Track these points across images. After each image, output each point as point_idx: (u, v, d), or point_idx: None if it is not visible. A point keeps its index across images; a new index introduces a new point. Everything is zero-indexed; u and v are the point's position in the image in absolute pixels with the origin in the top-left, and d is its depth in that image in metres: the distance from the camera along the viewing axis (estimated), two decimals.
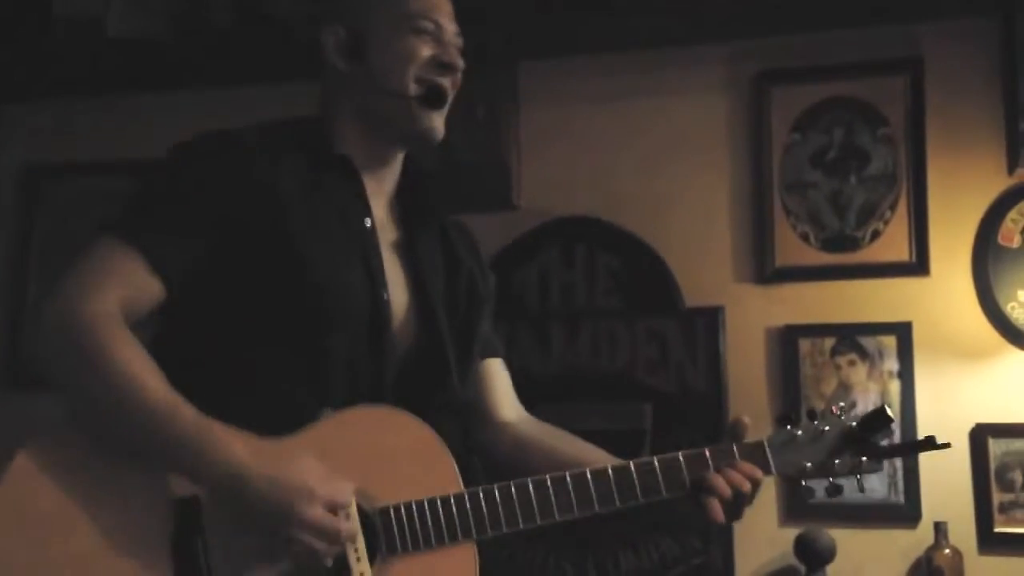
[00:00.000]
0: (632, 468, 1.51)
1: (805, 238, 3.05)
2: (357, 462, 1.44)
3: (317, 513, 1.35)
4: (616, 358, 3.11)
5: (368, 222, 1.58)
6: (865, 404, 2.92)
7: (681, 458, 1.53)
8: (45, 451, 1.39)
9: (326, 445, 1.43)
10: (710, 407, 3.02)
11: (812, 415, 1.58)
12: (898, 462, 2.88)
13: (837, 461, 1.56)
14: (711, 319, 3.06)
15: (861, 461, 1.57)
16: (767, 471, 1.54)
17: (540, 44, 3.19)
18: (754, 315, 3.06)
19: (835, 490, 1.57)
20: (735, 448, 1.54)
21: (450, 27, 1.62)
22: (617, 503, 1.51)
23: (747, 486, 1.51)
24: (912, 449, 1.78)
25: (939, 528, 2.74)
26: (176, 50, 3.31)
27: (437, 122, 1.60)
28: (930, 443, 1.62)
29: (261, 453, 1.37)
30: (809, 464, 1.55)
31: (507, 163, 3.22)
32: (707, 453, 1.53)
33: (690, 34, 3.12)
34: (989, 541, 2.80)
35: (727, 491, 1.50)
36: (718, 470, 1.52)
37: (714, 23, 3.07)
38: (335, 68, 1.61)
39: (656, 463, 1.52)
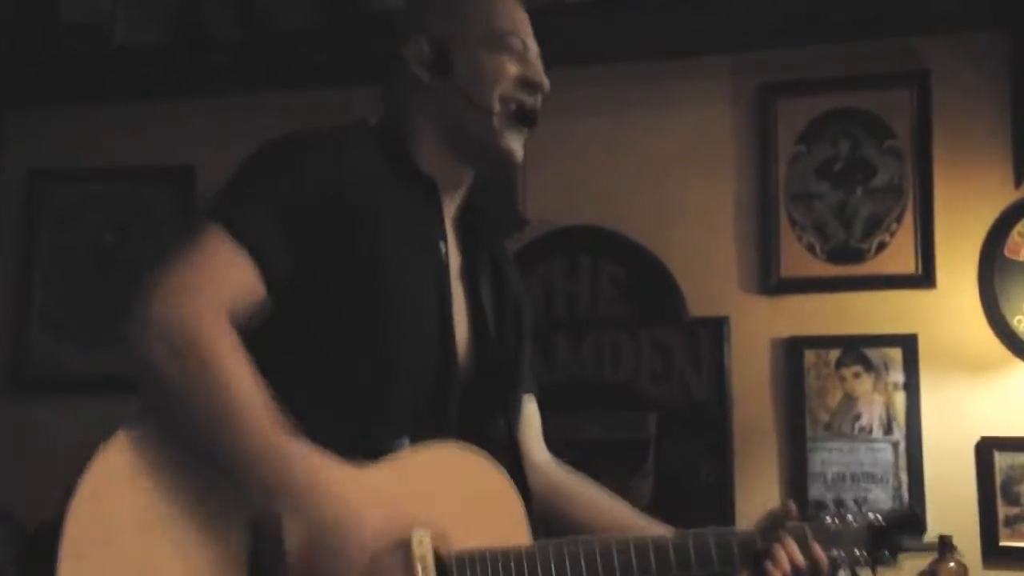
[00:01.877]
0: (690, 539, 1.51)
1: (811, 249, 3.04)
2: (435, 502, 1.42)
3: None
4: (620, 368, 3.10)
5: (443, 247, 1.55)
6: (870, 417, 2.91)
7: (733, 537, 1.52)
8: (131, 449, 1.32)
9: (406, 480, 1.41)
10: (714, 418, 3.01)
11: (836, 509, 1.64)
12: (903, 474, 2.87)
13: (864, 554, 1.58)
14: (716, 330, 3.05)
15: (884, 556, 1.60)
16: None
17: (546, 54, 3.18)
18: (759, 326, 3.05)
19: None
20: (783, 531, 1.54)
21: (533, 46, 1.60)
22: (674, 571, 1.50)
23: (816, 564, 1.52)
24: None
25: (944, 541, 2.73)
26: (181, 58, 3.31)
27: (518, 143, 1.58)
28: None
29: (355, 494, 1.34)
30: (842, 555, 1.57)
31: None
32: (758, 535, 1.53)
33: (695, 45, 3.12)
34: (994, 555, 2.79)
35: (787, 568, 1.51)
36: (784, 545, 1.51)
37: (720, 34, 3.07)
38: (417, 80, 1.57)
39: (712, 541, 1.51)
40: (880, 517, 1.60)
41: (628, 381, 3.09)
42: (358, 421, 1.43)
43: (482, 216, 1.65)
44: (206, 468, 1.33)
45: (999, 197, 2.93)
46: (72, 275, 3.51)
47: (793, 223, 3.06)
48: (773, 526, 1.56)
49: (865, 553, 1.57)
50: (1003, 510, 2.80)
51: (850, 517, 1.60)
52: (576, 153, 3.25)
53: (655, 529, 1.59)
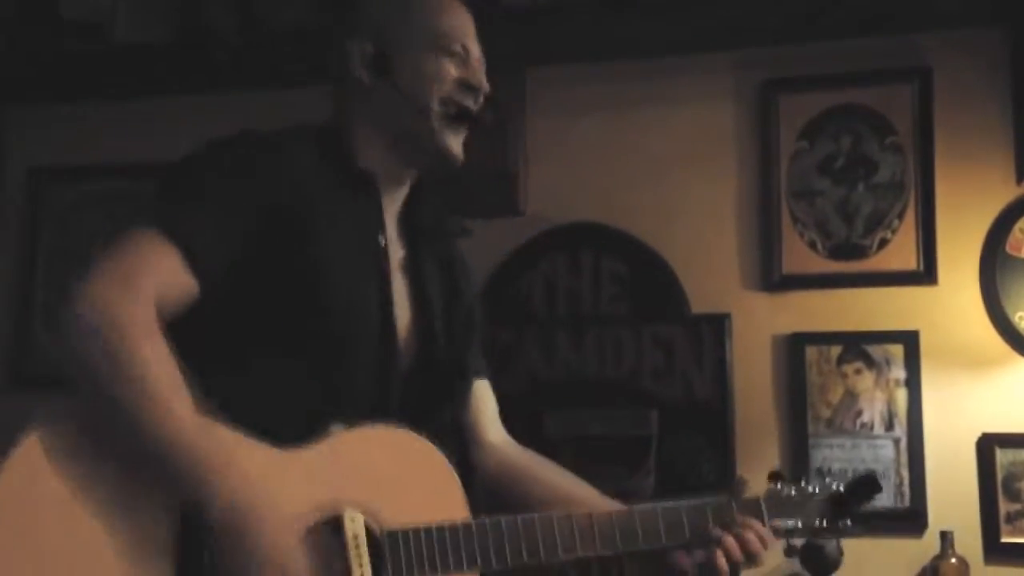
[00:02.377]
0: (636, 517, 1.56)
1: (812, 246, 3.04)
2: (367, 481, 1.43)
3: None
4: (622, 365, 3.10)
5: (382, 241, 1.58)
6: (872, 413, 2.92)
7: (683, 510, 1.58)
8: (48, 443, 1.33)
9: (337, 460, 1.42)
10: (716, 414, 3.02)
11: (801, 478, 1.67)
12: (904, 471, 2.87)
13: (824, 523, 1.64)
14: (717, 326, 3.06)
15: (846, 525, 1.65)
16: None
17: (547, 52, 3.19)
18: (761, 323, 3.05)
19: (791, 551, 1.67)
20: (734, 504, 1.59)
21: (475, 50, 1.62)
22: (619, 547, 1.55)
23: (757, 546, 1.57)
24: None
25: (945, 537, 2.74)
26: (181, 56, 3.31)
27: (456, 142, 1.60)
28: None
29: (283, 475, 1.36)
30: (799, 524, 1.62)
31: (514, 169, 3.21)
32: (707, 505, 1.58)
33: (697, 42, 3.12)
34: (995, 551, 2.80)
35: (738, 553, 1.56)
36: (722, 525, 1.57)
37: (721, 31, 3.07)
38: (359, 81, 1.60)
39: (659, 514, 1.57)
40: (840, 486, 1.65)
41: (630, 378, 3.09)
42: (296, 409, 1.44)
43: (423, 215, 1.68)
44: (128, 456, 1.34)
45: (1000, 194, 2.93)
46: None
47: (795, 220, 3.06)
48: (728, 495, 1.61)
49: (824, 522, 1.62)
50: (1004, 506, 2.81)
51: (810, 488, 1.64)
52: (578, 150, 3.25)
53: (609, 504, 1.61)
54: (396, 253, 1.62)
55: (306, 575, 1.32)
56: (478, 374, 1.76)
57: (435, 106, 1.57)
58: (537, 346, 3.16)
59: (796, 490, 1.63)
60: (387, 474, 1.45)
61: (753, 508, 1.60)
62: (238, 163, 1.50)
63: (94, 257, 1.39)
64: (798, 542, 1.66)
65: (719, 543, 1.55)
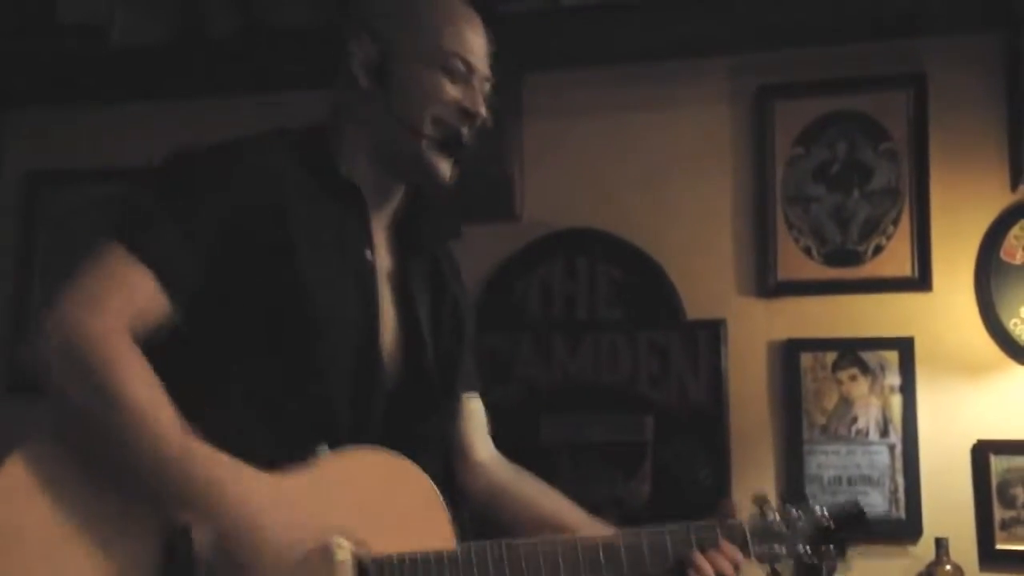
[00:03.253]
0: (621, 543, 1.53)
1: (807, 252, 3.04)
2: (353, 507, 1.42)
3: None
4: (618, 370, 3.10)
5: (368, 254, 1.54)
6: (867, 419, 2.92)
7: (667, 535, 1.55)
8: (32, 464, 1.31)
9: (322, 486, 1.40)
10: (711, 420, 3.01)
11: (787, 502, 1.64)
12: (899, 477, 2.87)
13: (809, 552, 1.63)
14: (712, 332, 3.06)
15: (830, 552, 1.64)
16: (745, 554, 1.59)
17: (544, 57, 3.19)
18: (756, 329, 3.05)
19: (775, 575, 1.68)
20: (718, 528, 1.57)
21: (482, 71, 1.56)
22: (604, 574, 1.52)
23: (730, 570, 1.55)
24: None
25: (940, 544, 2.73)
26: (180, 59, 3.32)
27: (444, 166, 1.55)
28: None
29: (271, 501, 1.34)
30: (784, 552, 1.61)
31: (510, 174, 3.22)
32: (691, 531, 1.56)
33: (693, 48, 3.12)
34: (990, 558, 2.79)
35: (710, 573, 1.54)
36: (702, 550, 1.54)
37: (717, 37, 3.07)
38: (355, 81, 1.56)
39: (644, 540, 1.54)
40: (828, 515, 1.63)
41: (625, 383, 3.09)
42: (278, 428, 1.42)
43: (418, 222, 1.63)
44: (112, 479, 1.32)
45: (995, 200, 2.93)
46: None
47: (790, 226, 3.06)
48: (713, 519, 1.59)
49: (809, 550, 1.61)
50: (999, 513, 2.80)
51: (796, 513, 1.62)
52: (575, 155, 3.25)
53: (596, 529, 1.59)
54: (384, 265, 1.58)
55: None
56: (468, 388, 1.72)
57: (426, 126, 1.52)
58: (533, 351, 3.16)
59: (780, 515, 1.62)
60: (372, 499, 1.44)
61: (737, 534, 1.58)
62: (212, 175, 1.46)
63: (67, 279, 1.38)
64: (781, 567, 1.66)
65: (693, 566, 1.54)
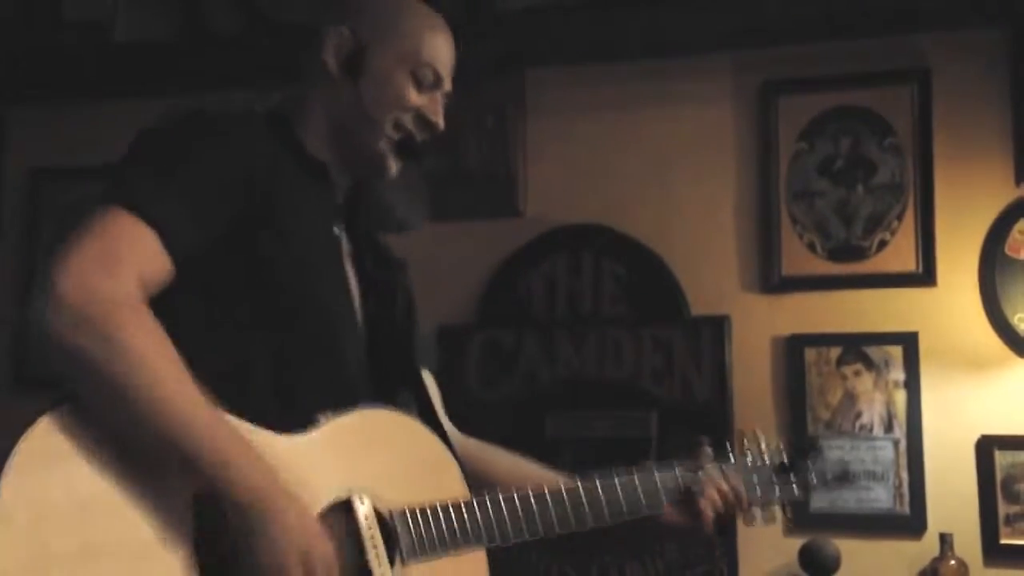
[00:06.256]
0: (618, 486, 1.66)
1: (812, 247, 3.04)
2: (367, 463, 1.45)
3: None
4: (622, 366, 3.10)
5: (336, 230, 1.59)
6: (871, 415, 2.92)
7: (656, 477, 1.69)
8: (51, 438, 1.28)
9: (335, 446, 1.42)
10: (715, 416, 3.01)
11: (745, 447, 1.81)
12: (904, 472, 2.87)
13: (777, 489, 1.79)
14: (717, 328, 3.06)
15: (793, 488, 1.81)
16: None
17: (547, 52, 3.19)
18: (760, 324, 3.06)
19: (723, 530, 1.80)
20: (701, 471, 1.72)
21: (447, 85, 1.62)
22: (607, 520, 1.64)
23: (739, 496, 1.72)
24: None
25: (944, 539, 2.74)
26: (183, 55, 3.32)
27: (394, 166, 1.61)
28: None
29: (291, 461, 1.36)
30: (757, 491, 1.77)
31: (514, 170, 3.22)
32: (677, 471, 1.71)
33: (697, 43, 3.12)
34: (995, 553, 2.80)
35: (719, 502, 1.69)
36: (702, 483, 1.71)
37: (721, 32, 3.07)
38: (325, 68, 1.59)
39: (636, 480, 1.67)
40: (784, 452, 1.80)
41: (629, 379, 3.09)
42: (277, 397, 1.44)
43: (365, 206, 1.67)
44: (140, 446, 1.30)
45: (1000, 195, 2.93)
46: None
47: (794, 221, 3.06)
48: (693, 465, 1.72)
49: (776, 489, 1.79)
50: (1004, 508, 2.80)
51: (751, 458, 1.79)
52: (578, 151, 3.25)
53: (568, 481, 1.65)
54: (345, 243, 1.62)
55: (332, 559, 1.33)
56: (423, 364, 1.76)
57: (387, 126, 1.57)
58: (537, 347, 3.16)
59: (749, 457, 1.78)
60: (385, 456, 1.47)
61: (715, 472, 1.73)
62: (212, 136, 1.46)
63: (69, 242, 1.33)
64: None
65: (703, 495, 1.68)
